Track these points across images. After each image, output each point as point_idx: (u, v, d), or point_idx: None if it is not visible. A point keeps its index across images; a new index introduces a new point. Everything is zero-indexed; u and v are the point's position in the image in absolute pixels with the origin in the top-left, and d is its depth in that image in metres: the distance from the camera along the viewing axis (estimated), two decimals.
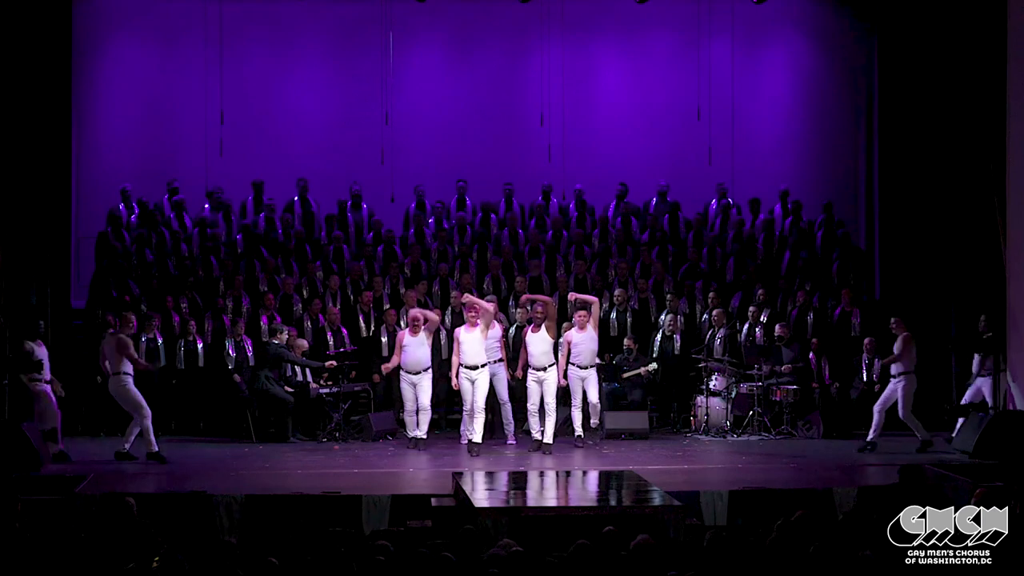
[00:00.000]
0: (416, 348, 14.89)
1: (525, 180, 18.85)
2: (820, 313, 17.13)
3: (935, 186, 17.07)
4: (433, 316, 15.24)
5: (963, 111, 16.41)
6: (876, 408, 15.13)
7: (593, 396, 15.08)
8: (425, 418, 15.03)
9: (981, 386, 15.27)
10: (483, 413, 14.82)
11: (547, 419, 14.83)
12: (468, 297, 15.20)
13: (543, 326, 14.91)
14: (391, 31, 18.74)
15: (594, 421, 15.24)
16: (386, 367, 15.23)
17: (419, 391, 14.99)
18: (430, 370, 15.05)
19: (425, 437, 14.99)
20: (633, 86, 19.59)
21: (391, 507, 11.90)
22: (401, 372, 15.01)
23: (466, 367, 14.80)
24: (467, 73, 19.50)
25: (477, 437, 14.72)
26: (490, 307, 15.12)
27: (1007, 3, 15.09)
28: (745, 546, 8.36)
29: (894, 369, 15.13)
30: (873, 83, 18.59)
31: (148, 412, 14.24)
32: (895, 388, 15.06)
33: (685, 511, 11.02)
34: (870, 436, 15.05)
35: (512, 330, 15.97)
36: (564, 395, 15.37)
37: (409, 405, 15.07)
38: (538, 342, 14.86)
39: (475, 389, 14.77)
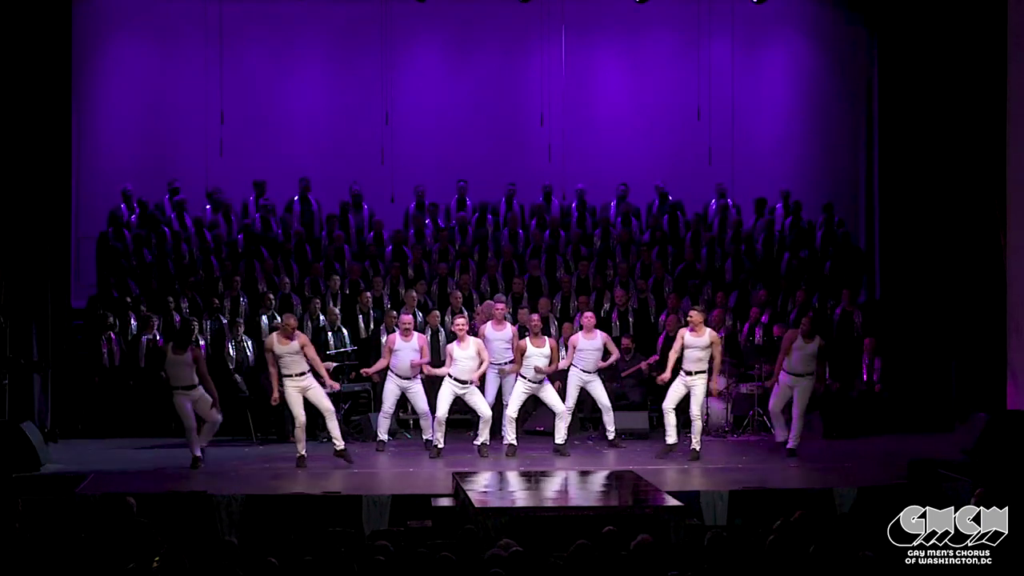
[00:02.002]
0: (407, 352, 14.83)
1: (525, 180, 18.84)
2: (820, 313, 17.13)
3: (935, 186, 17.07)
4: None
5: (963, 111, 16.41)
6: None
7: (604, 400, 15.06)
8: (427, 423, 15.00)
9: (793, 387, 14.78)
10: (490, 419, 14.76)
11: (559, 422, 14.70)
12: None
13: (544, 337, 14.78)
14: (391, 31, 18.74)
15: (610, 429, 15.13)
16: (367, 371, 15.12)
17: (414, 397, 14.94)
18: (419, 376, 14.98)
19: (432, 439, 14.96)
20: (633, 86, 19.59)
21: (391, 507, 11.91)
22: (389, 374, 14.90)
23: (458, 381, 14.59)
24: (467, 73, 19.50)
25: (484, 439, 14.68)
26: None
27: (1007, 3, 15.10)
28: (745, 546, 8.36)
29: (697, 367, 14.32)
30: (873, 83, 18.58)
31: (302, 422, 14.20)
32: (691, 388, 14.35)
33: (685, 511, 11.02)
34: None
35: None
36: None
37: (387, 407, 14.97)
38: (539, 355, 14.60)
39: (473, 399, 14.66)
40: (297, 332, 14.09)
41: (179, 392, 14.06)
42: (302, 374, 13.99)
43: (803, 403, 14.59)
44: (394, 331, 15.67)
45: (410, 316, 15.23)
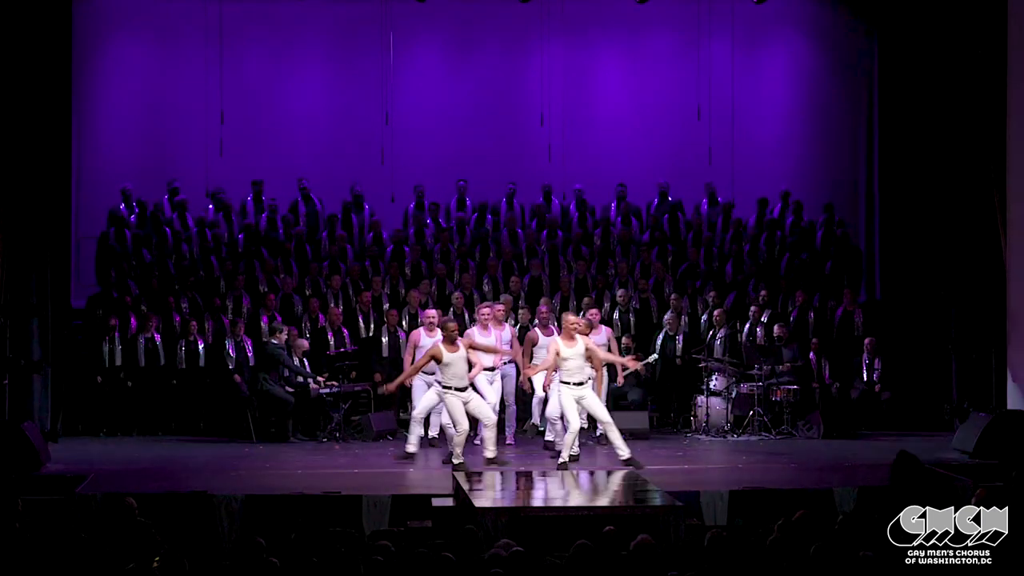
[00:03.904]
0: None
1: (525, 180, 18.84)
2: (820, 313, 17.15)
3: (935, 186, 17.07)
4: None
5: (963, 111, 16.41)
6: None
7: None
8: (436, 419, 15.00)
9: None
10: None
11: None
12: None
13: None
14: (391, 31, 18.74)
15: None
16: (388, 387, 14.45)
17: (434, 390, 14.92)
18: None
19: (437, 436, 15.01)
20: (633, 86, 19.59)
21: (391, 507, 11.90)
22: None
23: (485, 369, 14.36)
24: (467, 73, 19.50)
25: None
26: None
27: (1007, 3, 15.11)
28: (745, 546, 8.36)
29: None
30: (873, 83, 18.58)
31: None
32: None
33: (685, 511, 11.01)
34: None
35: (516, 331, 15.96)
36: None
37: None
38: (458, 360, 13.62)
39: (492, 391, 14.48)
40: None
41: (453, 393, 13.39)
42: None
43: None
44: (396, 330, 15.69)
45: (434, 311, 15.13)
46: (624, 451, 13.39)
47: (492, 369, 14.53)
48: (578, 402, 13.37)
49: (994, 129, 15.58)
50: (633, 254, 17.98)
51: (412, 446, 14.12)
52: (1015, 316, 15.27)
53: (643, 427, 15.85)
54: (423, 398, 14.15)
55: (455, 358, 13.35)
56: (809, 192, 18.94)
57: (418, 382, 14.54)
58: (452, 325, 13.60)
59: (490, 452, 13.59)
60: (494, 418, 13.76)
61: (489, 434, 13.58)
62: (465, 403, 13.43)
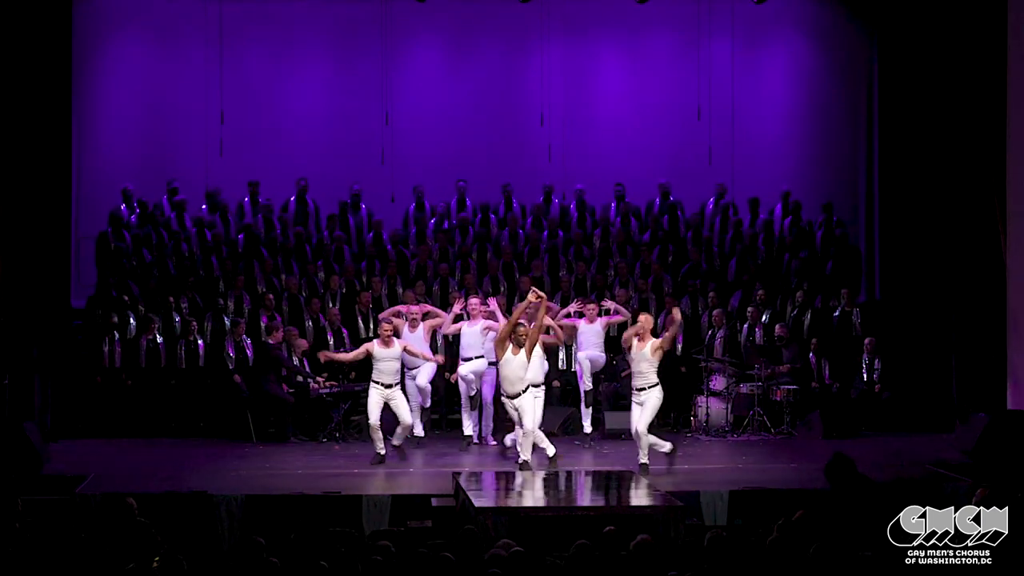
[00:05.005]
0: (415, 342, 14.84)
1: (525, 180, 18.84)
2: (820, 313, 17.15)
3: (935, 186, 17.07)
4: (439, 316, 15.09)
5: (963, 111, 16.42)
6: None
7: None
8: (423, 417, 15.10)
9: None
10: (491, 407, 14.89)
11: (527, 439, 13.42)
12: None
13: (523, 348, 13.11)
14: (391, 31, 18.74)
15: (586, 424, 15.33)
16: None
17: (414, 385, 15.03)
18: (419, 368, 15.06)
19: (423, 435, 15.06)
20: (633, 86, 19.58)
21: (391, 507, 11.91)
22: (405, 371, 14.94)
23: (463, 360, 14.75)
24: (467, 73, 19.49)
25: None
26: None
27: (1007, 3, 15.11)
28: (745, 546, 8.37)
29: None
30: (873, 83, 18.58)
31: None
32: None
33: (685, 511, 11.02)
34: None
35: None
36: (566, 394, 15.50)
37: (413, 404, 15.01)
38: (515, 366, 13.20)
39: (478, 383, 14.76)
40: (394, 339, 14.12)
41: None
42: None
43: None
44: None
45: (417, 307, 15.23)
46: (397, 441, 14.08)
47: (469, 359, 14.76)
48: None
49: (994, 130, 15.58)
50: (632, 254, 17.98)
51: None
52: (1015, 316, 15.27)
53: None
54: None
55: (510, 359, 13.15)
56: (809, 192, 18.93)
57: (407, 382, 14.81)
58: (522, 329, 13.17)
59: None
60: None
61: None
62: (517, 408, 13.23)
